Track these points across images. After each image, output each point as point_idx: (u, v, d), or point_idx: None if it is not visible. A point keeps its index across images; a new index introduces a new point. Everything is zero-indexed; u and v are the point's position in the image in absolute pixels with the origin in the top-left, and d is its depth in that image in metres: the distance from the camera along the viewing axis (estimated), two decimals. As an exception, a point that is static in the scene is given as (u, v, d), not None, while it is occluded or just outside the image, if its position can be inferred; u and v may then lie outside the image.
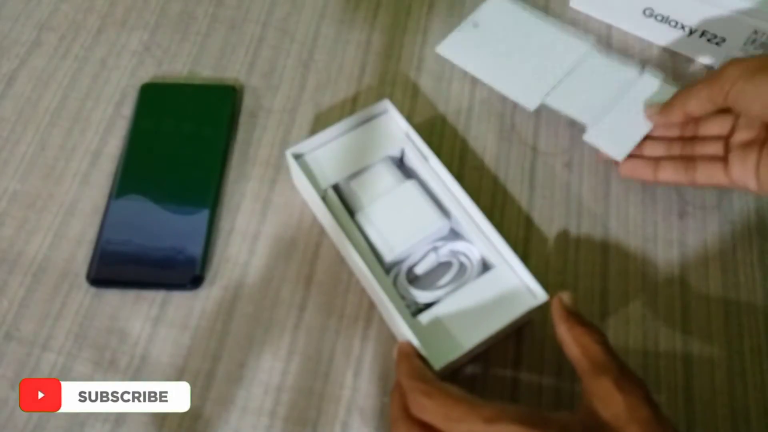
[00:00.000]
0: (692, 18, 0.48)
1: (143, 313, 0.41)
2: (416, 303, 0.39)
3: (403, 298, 0.39)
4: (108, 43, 0.52)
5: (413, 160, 0.43)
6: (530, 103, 0.46)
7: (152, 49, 0.52)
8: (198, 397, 0.38)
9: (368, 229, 0.40)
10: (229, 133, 0.47)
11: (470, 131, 0.48)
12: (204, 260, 0.42)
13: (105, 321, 0.41)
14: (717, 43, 0.48)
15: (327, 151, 0.43)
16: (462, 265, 0.41)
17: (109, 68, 0.51)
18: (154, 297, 0.42)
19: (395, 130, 0.44)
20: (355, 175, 0.43)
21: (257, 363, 0.40)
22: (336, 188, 0.42)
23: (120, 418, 0.38)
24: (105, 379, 0.39)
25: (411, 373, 0.34)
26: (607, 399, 0.30)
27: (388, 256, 0.39)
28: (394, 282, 0.40)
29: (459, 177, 0.42)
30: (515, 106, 0.48)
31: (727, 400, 0.38)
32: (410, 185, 0.42)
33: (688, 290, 0.42)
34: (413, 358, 0.35)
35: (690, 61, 0.50)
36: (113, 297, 0.42)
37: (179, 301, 0.42)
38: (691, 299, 0.41)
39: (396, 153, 0.44)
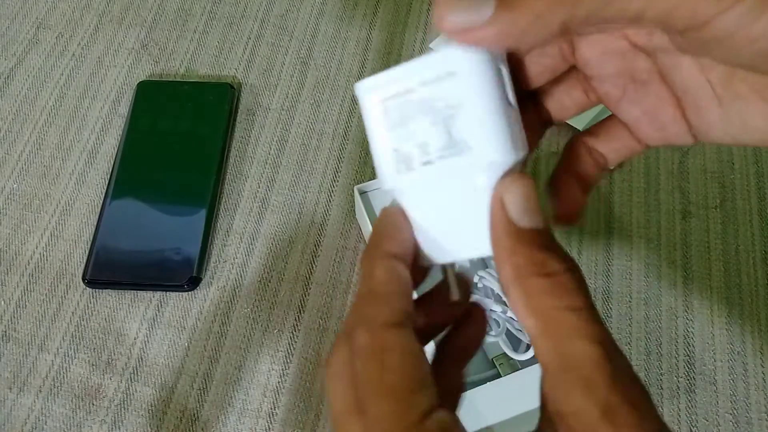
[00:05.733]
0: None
1: (140, 314, 0.41)
2: None
3: None
4: (105, 40, 0.52)
5: None
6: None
7: (149, 46, 0.52)
8: (195, 399, 0.38)
9: None
10: (226, 131, 0.47)
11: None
12: (201, 261, 0.42)
13: (102, 322, 0.41)
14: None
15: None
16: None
17: (106, 66, 0.51)
18: (151, 298, 0.41)
19: None
20: None
21: (255, 365, 0.39)
22: None
23: (117, 419, 0.38)
24: (102, 380, 0.39)
25: None
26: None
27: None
28: None
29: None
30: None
31: (729, 402, 0.38)
32: None
33: (690, 291, 0.41)
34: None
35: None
36: (110, 298, 0.41)
37: (176, 302, 0.41)
38: (693, 300, 0.41)
39: None
